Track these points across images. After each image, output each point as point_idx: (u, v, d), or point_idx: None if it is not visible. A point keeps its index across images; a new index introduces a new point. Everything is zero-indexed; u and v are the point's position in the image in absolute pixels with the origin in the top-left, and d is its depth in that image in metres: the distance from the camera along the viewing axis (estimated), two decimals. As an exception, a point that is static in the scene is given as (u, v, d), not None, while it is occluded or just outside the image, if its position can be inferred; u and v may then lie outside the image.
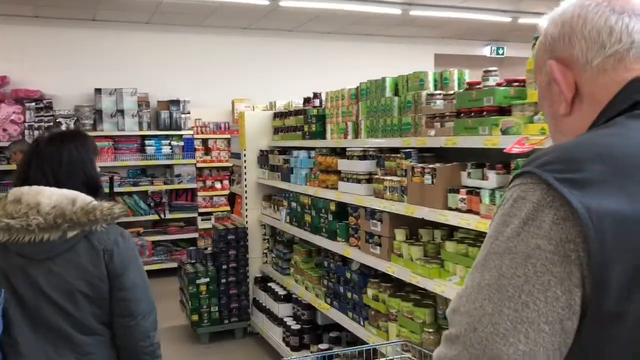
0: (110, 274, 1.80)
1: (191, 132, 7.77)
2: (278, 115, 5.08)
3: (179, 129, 7.71)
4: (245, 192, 5.23)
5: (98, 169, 1.98)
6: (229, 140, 7.94)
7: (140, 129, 7.53)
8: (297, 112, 4.65)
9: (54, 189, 1.79)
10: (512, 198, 0.80)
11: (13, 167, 6.32)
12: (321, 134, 4.17)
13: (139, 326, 1.85)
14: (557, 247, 0.74)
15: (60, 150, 1.88)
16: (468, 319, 0.78)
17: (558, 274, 0.74)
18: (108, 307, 1.82)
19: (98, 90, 7.32)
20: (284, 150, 4.79)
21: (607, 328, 0.74)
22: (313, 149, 4.22)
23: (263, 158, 5.09)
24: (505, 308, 0.75)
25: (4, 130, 6.88)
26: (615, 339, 0.74)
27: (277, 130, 5.08)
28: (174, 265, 7.21)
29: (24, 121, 7.00)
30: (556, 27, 0.94)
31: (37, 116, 7.07)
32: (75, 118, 7.23)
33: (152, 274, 7.43)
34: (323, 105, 4.43)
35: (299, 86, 6.15)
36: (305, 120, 4.38)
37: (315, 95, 4.53)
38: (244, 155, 5.21)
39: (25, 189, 1.79)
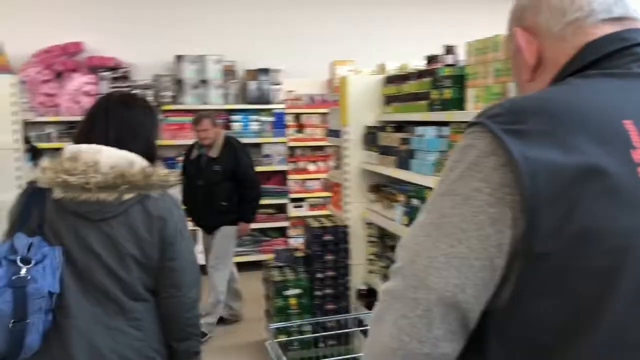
0: (162, 242, 1.79)
1: (282, 105, 6.74)
2: (392, 79, 3.87)
3: (269, 102, 6.69)
4: (346, 180, 4.08)
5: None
6: (325, 115, 6.84)
7: (226, 102, 6.58)
8: (420, 74, 3.41)
9: (113, 150, 1.76)
10: (461, 146, 0.86)
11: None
12: (458, 103, 2.93)
13: (185, 297, 1.85)
14: (494, 190, 0.80)
15: (129, 112, 1.87)
16: (409, 253, 0.85)
17: (492, 214, 0.80)
18: (155, 275, 1.82)
19: (179, 58, 6.43)
20: (400, 127, 3.59)
21: (535, 268, 0.78)
22: (446, 124, 2.98)
23: (370, 137, 3.91)
24: (441, 244, 0.82)
25: (77, 102, 6.16)
26: (541, 279, 0.78)
27: (389, 100, 3.88)
28: (262, 257, 6.26)
29: (98, 93, 6.24)
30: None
31: (112, 87, 6.29)
32: (154, 89, 6.39)
33: (237, 267, 6.54)
34: (461, 63, 3.17)
35: (416, 44, 4.87)
36: (433, 84, 3.16)
37: (449, 50, 3.27)
38: (346, 132, 4.05)
39: (84, 147, 1.77)
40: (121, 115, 1.84)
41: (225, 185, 4.75)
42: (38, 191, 1.76)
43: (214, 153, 4.76)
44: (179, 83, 6.45)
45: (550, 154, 0.77)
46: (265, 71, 6.68)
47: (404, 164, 3.36)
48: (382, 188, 3.86)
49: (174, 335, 1.88)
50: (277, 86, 6.72)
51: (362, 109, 4.01)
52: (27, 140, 5.80)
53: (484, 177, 0.81)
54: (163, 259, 1.80)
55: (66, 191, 1.72)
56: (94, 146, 1.77)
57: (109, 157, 1.74)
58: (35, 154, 4.08)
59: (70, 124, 6.24)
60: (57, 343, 1.70)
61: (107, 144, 1.78)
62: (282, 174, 6.81)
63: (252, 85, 6.64)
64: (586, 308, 0.77)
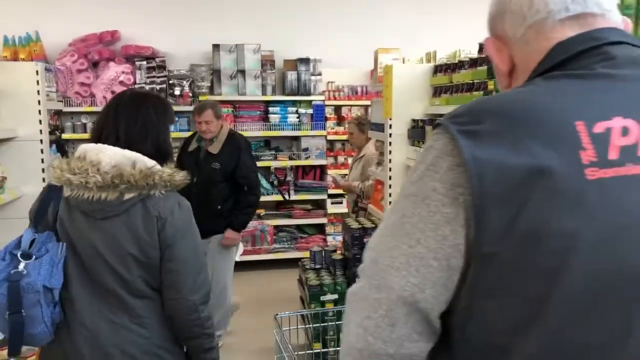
0: (162, 242, 1.78)
1: (322, 97, 6.46)
2: (442, 68, 3.54)
3: (308, 93, 6.41)
4: (390, 178, 3.77)
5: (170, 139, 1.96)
6: (367, 108, 6.53)
7: (264, 93, 6.34)
8: (474, 62, 3.08)
9: (116, 149, 1.78)
10: (425, 147, 0.88)
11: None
12: (520, 95, 2.59)
13: (186, 300, 1.81)
14: (449, 190, 0.80)
15: (138, 111, 1.87)
16: (372, 253, 0.86)
17: (447, 214, 0.80)
18: (158, 274, 1.81)
19: (216, 47, 6.22)
20: None
21: (485, 268, 0.79)
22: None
23: (417, 131, 3.58)
24: (401, 244, 0.83)
25: (113, 92, 6.01)
26: (491, 279, 0.79)
27: (438, 91, 3.55)
28: (299, 255, 6.02)
29: (134, 82, 6.09)
30: (494, 5, 0.99)
31: (148, 77, 6.13)
32: (190, 79, 6.19)
33: (273, 264, 6.32)
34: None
35: (468, 30, 4.50)
36: (490, 74, 2.82)
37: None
38: (389, 126, 3.74)
39: (90, 146, 1.80)
40: (130, 115, 1.85)
41: (223, 186, 4.21)
42: (55, 188, 1.82)
43: (214, 149, 4.21)
44: (215, 73, 6.24)
45: (500, 154, 0.78)
46: (304, 61, 6.41)
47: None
48: (428, 187, 3.54)
49: (181, 334, 1.87)
50: (317, 77, 6.44)
51: (408, 100, 3.68)
52: (55, 131, 5.69)
53: (440, 178, 0.82)
54: (163, 260, 1.79)
55: (72, 190, 1.77)
56: (98, 145, 1.80)
57: (111, 156, 1.75)
58: (60, 146, 3.89)
59: (106, 115, 6.12)
60: (66, 336, 1.77)
61: (116, 143, 1.80)
62: (321, 169, 6.54)
63: (291, 75, 6.38)
64: (532, 308, 0.78)
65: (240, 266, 5.93)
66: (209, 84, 6.27)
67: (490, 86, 2.83)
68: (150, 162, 1.79)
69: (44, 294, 1.68)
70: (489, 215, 0.77)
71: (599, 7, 0.91)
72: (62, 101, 5.94)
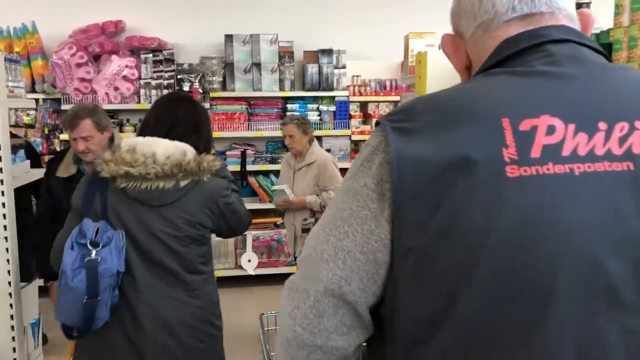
0: (216, 217, 2.08)
1: (346, 93, 5.81)
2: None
3: (331, 88, 5.78)
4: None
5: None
6: (396, 103, 5.85)
7: (282, 88, 5.73)
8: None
9: (167, 141, 1.98)
10: (364, 144, 0.90)
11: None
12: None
13: (239, 233, 2.36)
14: (377, 185, 0.82)
15: (185, 107, 2.16)
16: (307, 247, 0.89)
17: (374, 209, 0.82)
18: (210, 250, 2.16)
19: (229, 38, 5.62)
20: None
21: (405, 262, 0.80)
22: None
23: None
24: (331, 237, 0.85)
25: (116, 89, 5.47)
26: (410, 273, 0.80)
27: (484, 84, 2.88)
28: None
29: (139, 77, 5.54)
30: (454, 2, 0.99)
31: (155, 71, 5.57)
32: (200, 74, 5.61)
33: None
34: (603, 26, 2.14)
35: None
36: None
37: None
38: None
39: (140, 139, 2.01)
40: (178, 111, 2.11)
41: None
42: (100, 180, 1.96)
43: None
44: (228, 67, 5.65)
45: (424, 150, 0.78)
46: (327, 52, 5.77)
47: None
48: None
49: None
50: (341, 70, 5.80)
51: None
52: (55, 131, 5.15)
53: (371, 173, 0.83)
54: (220, 228, 2.16)
55: (128, 181, 1.93)
56: (149, 138, 2.00)
57: (165, 147, 1.96)
58: (30, 152, 3.29)
59: (108, 114, 5.56)
60: (128, 314, 1.97)
61: (167, 135, 2.02)
62: (345, 171, 5.88)
63: (312, 69, 5.74)
64: (447, 302, 0.78)
65: (255, 280, 5.35)
66: (221, 79, 5.68)
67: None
68: (194, 151, 2.01)
69: (115, 279, 1.88)
70: (408, 211, 0.78)
71: (547, 6, 0.89)
72: (59, 98, 5.45)
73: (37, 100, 5.40)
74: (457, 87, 0.89)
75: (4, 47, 5.32)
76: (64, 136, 5.39)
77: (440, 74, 3.04)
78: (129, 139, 2.01)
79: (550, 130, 0.77)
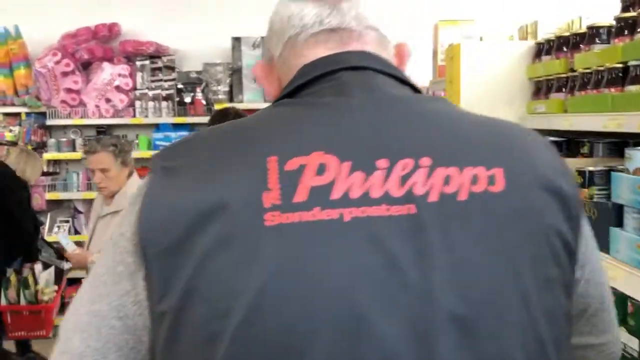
0: None
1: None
2: (549, 47, 1.98)
3: (355, 98, 4.93)
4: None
5: None
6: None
7: (298, 98, 4.92)
8: (621, 28, 1.52)
9: None
10: None
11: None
12: None
13: None
14: (133, 235, 0.69)
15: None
16: (68, 311, 0.75)
17: (129, 265, 0.69)
18: None
19: (237, 41, 4.86)
20: (574, 142, 1.71)
21: (158, 327, 0.67)
22: None
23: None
24: (86, 300, 0.71)
25: (108, 101, 4.78)
26: (162, 340, 0.67)
27: (545, 88, 2.01)
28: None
29: (134, 87, 4.84)
30: (267, 26, 0.92)
31: (152, 80, 4.86)
32: (204, 83, 4.86)
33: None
34: None
35: None
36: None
37: None
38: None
39: None
40: None
41: None
42: None
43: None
44: (235, 74, 4.88)
45: (180, 195, 0.67)
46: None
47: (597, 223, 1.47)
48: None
49: None
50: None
51: (490, 103, 2.15)
52: (41, 149, 4.52)
53: (131, 220, 0.70)
54: None
55: None
56: None
57: None
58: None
59: (99, 129, 4.89)
60: None
61: None
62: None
63: (333, 76, 4.92)
64: None
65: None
66: (227, 88, 4.92)
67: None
68: None
69: None
70: (158, 268, 0.66)
71: (357, 22, 0.81)
72: (45, 112, 4.80)
73: (19, 114, 4.78)
74: (236, 121, 0.80)
75: (-17, 54, 4.72)
76: (48, 155, 4.73)
77: (483, 75, 2.16)
78: None
79: (321, 169, 0.66)
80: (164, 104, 4.84)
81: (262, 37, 4.82)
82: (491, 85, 2.20)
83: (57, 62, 4.66)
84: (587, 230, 0.76)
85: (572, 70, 1.87)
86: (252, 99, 4.87)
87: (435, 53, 2.49)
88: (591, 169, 1.57)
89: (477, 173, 0.67)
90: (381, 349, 0.62)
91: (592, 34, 1.76)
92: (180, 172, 0.69)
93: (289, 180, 0.65)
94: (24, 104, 4.76)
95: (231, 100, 4.91)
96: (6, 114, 4.78)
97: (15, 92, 4.82)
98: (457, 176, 0.67)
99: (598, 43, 1.72)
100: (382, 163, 0.67)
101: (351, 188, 0.65)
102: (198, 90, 4.88)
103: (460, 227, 0.65)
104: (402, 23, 4.51)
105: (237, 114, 4.00)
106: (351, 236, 0.64)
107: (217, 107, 4.80)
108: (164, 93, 4.84)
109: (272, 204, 0.64)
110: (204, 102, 4.87)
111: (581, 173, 1.57)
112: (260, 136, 0.71)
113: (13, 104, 4.77)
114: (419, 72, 4.58)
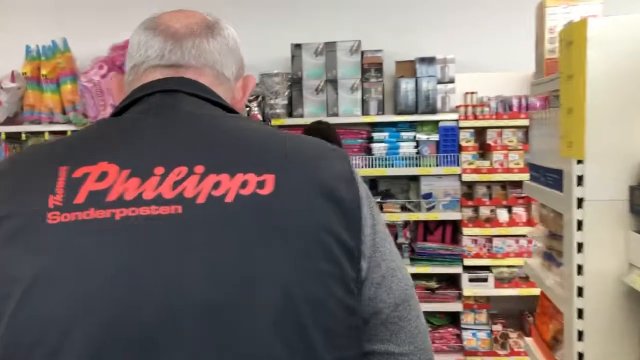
0: None
1: (455, 116, 4.24)
2: None
3: (433, 110, 4.23)
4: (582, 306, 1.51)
5: None
6: (527, 130, 4.16)
7: (365, 112, 4.30)
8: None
9: None
10: None
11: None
12: None
13: None
14: None
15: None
16: None
17: None
18: None
19: (298, 48, 4.32)
20: None
21: None
22: None
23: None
24: None
25: (156, 117, 4.36)
26: None
27: None
28: None
29: (184, 103, 4.38)
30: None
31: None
32: (260, 96, 4.33)
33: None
34: None
35: None
36: None
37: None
38: (578, 179, 1.51)
39: None
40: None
41: None
42: None
43: None
44: (295, 85, 4.33)
45: None
46: (428, 62, 4.26)
47: None
48: None
49: None
50: (448, 85, 4.25)
51: (625, 110, 1.44)
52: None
53: None
54: None
55: None
56: None
57: None
58: None
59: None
60: None
61: None
62: (453, 226, 4.30)
63: (407, 84, 4.24)
64: None
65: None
66: (286, 101, 4.36)
67: None
68: None
69: None
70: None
71: (196, 60, 0.93)
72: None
73: (65, 132, 4.45)
74: (60, 137, 0.92)
75: (31, 69, 4.43)
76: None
77: (615, 68, 1.45)
78: None
79: (102, 176, 0.79)
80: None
81: (325, 44, 4.27)
82: (629, 82, 1.48)
83: (103, 76, 4.28)
84: (375, 237, 0.83)
85: None
86: (312, 113, 4.29)
87: (541, 42, 1.78)
88: None
89: (248, 179, 0.78)
90: (139, 331, 0.71)
91: None
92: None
93: (73, 185, 0.78)
94: (68, 122, 4.42)
95: (290, 114, 4.36)
96: (52, 132, 4.45)
97: (62, 109, 4.50)
98: (227, 181, 0.77)
99: None
100: (159, 170, 0.79)
101: (126, 192, 0.77)
102: (254, 104, 4.35)
103: (223, 224, 0.76)
104: (507, 41, 3.85)
105: (328, 128, 3.70)
106: (120, 232, 0.75)
107: (274, 122, 4.27)
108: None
109: (55, 205, 0.77)
110: (259, 116, 4.34)
111: None
112: (63, 150, 0.85)
113: (58, 122, 4.44)
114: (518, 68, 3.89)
